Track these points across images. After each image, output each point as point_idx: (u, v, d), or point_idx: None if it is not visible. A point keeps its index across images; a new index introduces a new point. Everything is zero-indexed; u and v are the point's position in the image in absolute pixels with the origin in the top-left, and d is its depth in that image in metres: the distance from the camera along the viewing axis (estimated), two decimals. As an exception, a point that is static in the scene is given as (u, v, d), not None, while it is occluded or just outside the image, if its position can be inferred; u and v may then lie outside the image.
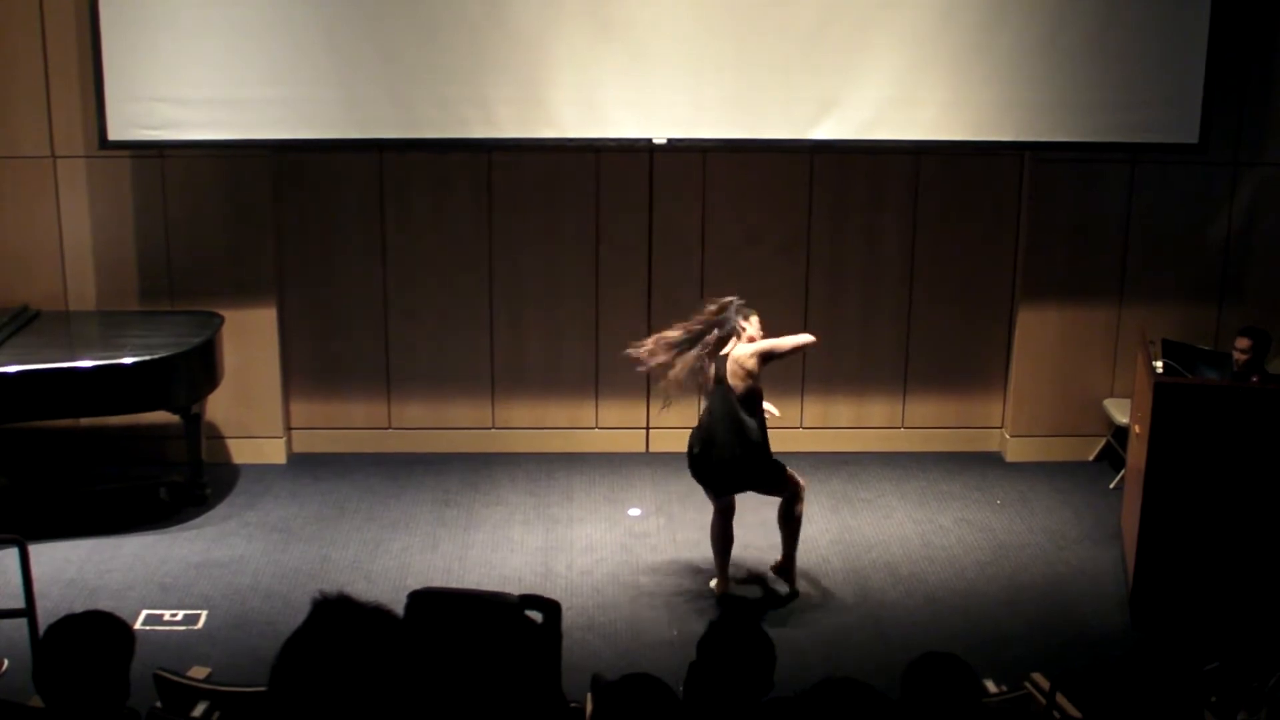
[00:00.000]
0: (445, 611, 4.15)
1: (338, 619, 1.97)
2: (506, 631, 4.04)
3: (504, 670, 3.80)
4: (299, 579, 7.02)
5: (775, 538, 7.26)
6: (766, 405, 6.72)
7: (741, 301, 6.65)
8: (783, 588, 6.95)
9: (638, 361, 6.70)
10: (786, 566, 6.94)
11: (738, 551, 6.96)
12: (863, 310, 8.51)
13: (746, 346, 6.53)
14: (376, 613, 2.02)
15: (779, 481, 6.73)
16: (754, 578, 7.07)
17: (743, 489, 6.74)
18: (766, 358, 6.55)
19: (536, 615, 4.32)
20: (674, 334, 6.63)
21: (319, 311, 8.38)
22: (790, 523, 6.81)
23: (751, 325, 6.57)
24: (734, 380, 6.52)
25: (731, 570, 6.94)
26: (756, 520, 7.30)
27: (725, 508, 6.79)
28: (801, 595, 6.91)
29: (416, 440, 8.54)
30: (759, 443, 6.58)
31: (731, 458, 6.56)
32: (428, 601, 4.16)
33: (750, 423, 6.54)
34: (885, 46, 7.73)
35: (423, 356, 8.47)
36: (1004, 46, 7.76)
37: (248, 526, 7.60)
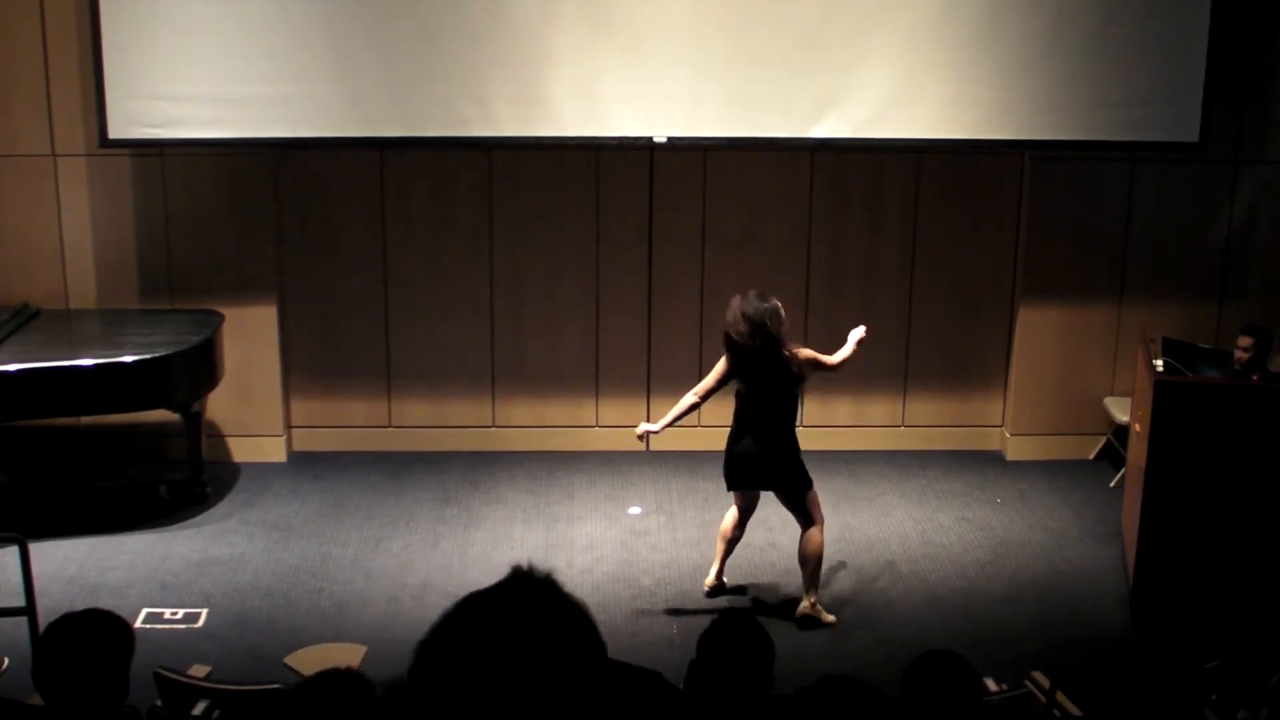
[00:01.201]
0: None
1: (538, 596, 1.82)
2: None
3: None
4: (299, 577, 7.02)
5: (771, 534, 7.28)
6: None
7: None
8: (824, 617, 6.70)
9: None
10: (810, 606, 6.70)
11: (737, 549, 6.98)
12: (863, 308, 8.48)
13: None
14: (578, 609, 1.87)
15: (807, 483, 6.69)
16: (753, 576, 7.07)
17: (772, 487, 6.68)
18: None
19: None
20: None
21: (319, 310, 8.38)
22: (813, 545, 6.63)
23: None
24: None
25: (727, 567, 6.94)
26: (758, 518, 7.30)
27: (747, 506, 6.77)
28: (801, 593, 6.89)
29: (417, 438, 8.53)
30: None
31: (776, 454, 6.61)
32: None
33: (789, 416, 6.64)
34: (885, 45, 7.73)
35: (423, 354, 8.46)
36: (1004, 45, 7.76)
37: (248, 525, 7.60)
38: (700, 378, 7.05)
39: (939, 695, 3.56)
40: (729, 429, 6.61)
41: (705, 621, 3.98)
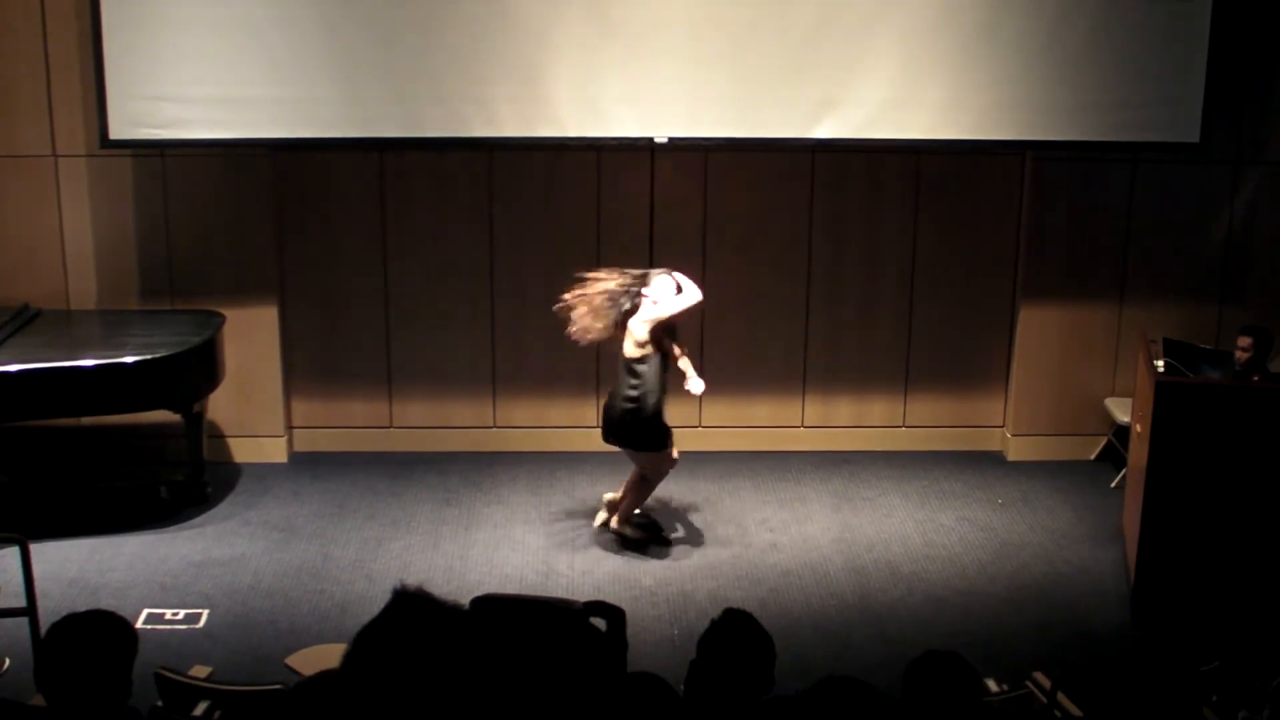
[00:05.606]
0: (509, 617, 4.11)
1: (416, 611, 1.92)
2: (571, 639, 3.99)
3: (568, 677, 3.76)
4: (300, 578, 7.02)
5: (772, 535, 7.29)
6: (689, 381, 7.14)
7: (661, 271, 7.04)
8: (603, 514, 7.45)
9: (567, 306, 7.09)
10: (617, 504, 7.39)
11: (731, 548, 7.11)
12: (863, 309, 8.51)
13: (637, 316, 6.94)
14: (454, 610, 1.98)
15: (651, 446, 7.10)
16: (752, 576, 7.07)
17: (621, 444, 7.17)
18: (656, 325, 6.94)
19: (600, 623, 4.28)
20: (607, 286, 7.03)
21: (320, 310, 8.38)
22: (640, 486, 7.26)
23: (653, 290, 6.92)
24: (627, 345, 6.99)
25: (727, 568, 7.04)
26: (758, 518, 7.33)
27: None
28: (802, 593, 6.91)
29: (418, 439, 8.54)
30: (639, 405, 7.00)
31: (620, 413, 7.07)
32: (491, 607, 4.13)
33: (633, 383, 6.98)
34: (886, 46, 7.73)
35: (424, 355, 8.47)
36: (1005, 45, 7.76)
37: (249, 525, 7.61)
38: (700, 374, 7.18)
39: (940, 696, 3.55)
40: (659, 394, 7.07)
41: (706, 622, 3.98)
